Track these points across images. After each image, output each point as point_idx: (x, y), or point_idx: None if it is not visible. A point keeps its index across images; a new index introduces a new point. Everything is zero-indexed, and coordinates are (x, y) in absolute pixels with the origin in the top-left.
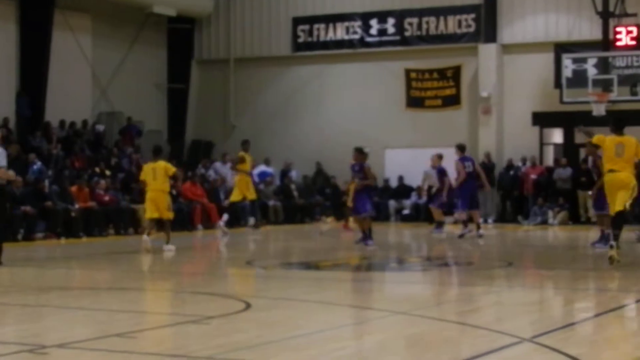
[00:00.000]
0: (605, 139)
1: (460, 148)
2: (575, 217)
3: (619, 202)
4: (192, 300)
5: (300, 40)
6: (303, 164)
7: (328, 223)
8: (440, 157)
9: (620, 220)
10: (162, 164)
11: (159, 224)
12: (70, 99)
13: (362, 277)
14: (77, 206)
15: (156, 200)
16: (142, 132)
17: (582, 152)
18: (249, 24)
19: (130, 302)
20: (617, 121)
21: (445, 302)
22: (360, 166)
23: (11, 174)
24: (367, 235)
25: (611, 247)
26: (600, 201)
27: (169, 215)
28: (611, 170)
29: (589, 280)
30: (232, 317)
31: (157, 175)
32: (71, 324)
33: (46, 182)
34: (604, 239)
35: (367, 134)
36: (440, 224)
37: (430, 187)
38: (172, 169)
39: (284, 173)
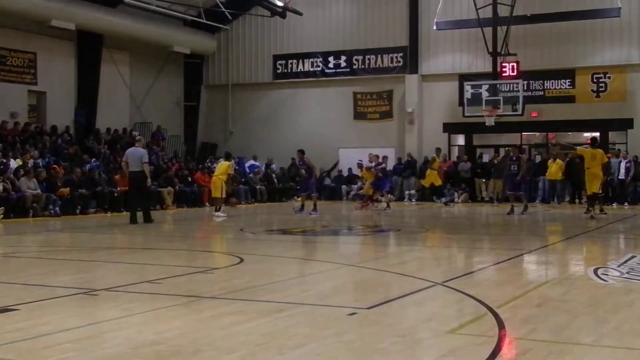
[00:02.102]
0: (585, 150)
1: (376, 156)
2: (473, 197)
3: (594, 186)
4: (201, 257)
5: (279, 71)
6: (281, 159)
7: (299, 201)
8: (377, 156)
9: (595, 197)
10: (226, 163)
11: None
12: (114, 112)
13: (323, 239)
14: (119, 189)
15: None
16: (166, 137)
17: (478, 151)
18: (242, 59)
19: (157, 258)
20: (593, 140)
21: (382, 257)
22: (302, 161)
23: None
24: (313, 208)
25: (590, 211)
26: (517, 185)
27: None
28: (588, 168)
29: (483, 242)
30: (230, 268)
31: (220, 169)
32: (114, 274)
33: (98, 173)
34: (513, 210)
35: (327, 138)
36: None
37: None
38: (230, 169)
39: (268, 165)
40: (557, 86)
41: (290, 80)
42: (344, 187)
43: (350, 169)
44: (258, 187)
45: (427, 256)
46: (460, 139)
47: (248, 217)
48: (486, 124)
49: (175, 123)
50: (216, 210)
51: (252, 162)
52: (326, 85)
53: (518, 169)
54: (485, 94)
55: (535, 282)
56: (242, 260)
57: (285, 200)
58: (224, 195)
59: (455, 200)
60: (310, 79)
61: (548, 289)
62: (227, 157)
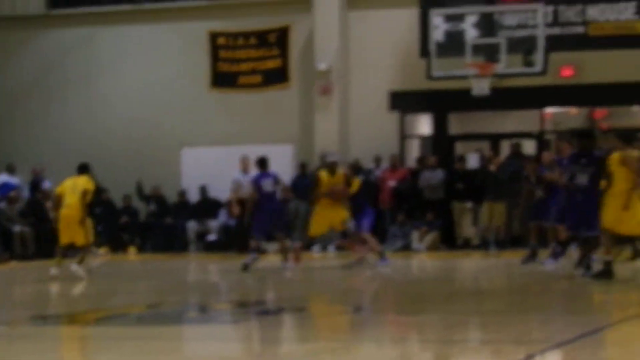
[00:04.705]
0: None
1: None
2: (449, 239)
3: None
4: None
5: None
6: (64, 171)
7: (100, 255)
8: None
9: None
10: (82, 180)
11: None
12: None
13: (150, 333)
14: None
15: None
16: None
17: (459, 147)
18: None
19: None
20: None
21: None
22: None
23: None
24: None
25: None
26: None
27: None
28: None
29: (469, 329)
30: None
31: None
32: None
33: None
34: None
35: (157, 127)
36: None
37: (243, 201)
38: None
39: (35, 184)
40: (611, 15)
41: (83, 9)
42: (191, 225)
43: (204, 189)
44: (17, 228)
45: None
46: (424, 124)
47: None
48: (474, 92)
49: None
50: (80, 262)
51: (3, 177)
52: (155, 19)
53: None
54: (471, 33)
55: None
56: None
57: (74, 253)
58: (89, 239)
59: (415, 245)
60: (123, 6)
61: None
62: (83, 170)
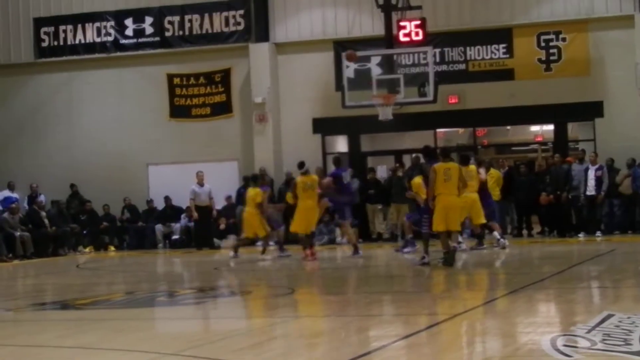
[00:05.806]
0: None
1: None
2: (365, 234)
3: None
4: None
5: (45, 44)
6: (54, 187)
7: (86, 254)
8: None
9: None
10: (253, 191)
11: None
12: None
13: (127, 314)
14: None
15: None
16: None
17: (370, 161)
18: None
19: None
20: (443, 152)
21: (222, 338)
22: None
23: None
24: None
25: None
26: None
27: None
28: (440, 194)
29: (383, 305)
30: None
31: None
32: None
33: None
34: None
35: (127, 150)
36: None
37: (197, 207)
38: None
39: (32, 198)
40: (487, 55)
41: (64, 58)
42: (159, 227)
43: (167, 199)
44: (18, 234)
45: (295, 332)
46: (341, 143)
47: (1, 283)
48: (380, 117)
49: None
50: (262, 252)
51: (6, 193)
52: (123, 64)
53: None
54: (376, 71)
55: None
56: None
57: (65, 252)
58: (264, 232)
59: (338, 239)
60: (96, 55)
61: None
62: (255, 180)
